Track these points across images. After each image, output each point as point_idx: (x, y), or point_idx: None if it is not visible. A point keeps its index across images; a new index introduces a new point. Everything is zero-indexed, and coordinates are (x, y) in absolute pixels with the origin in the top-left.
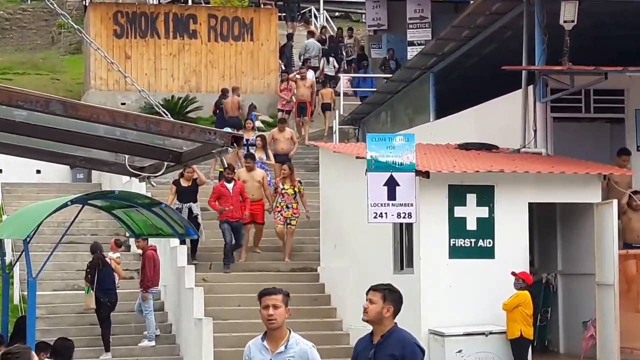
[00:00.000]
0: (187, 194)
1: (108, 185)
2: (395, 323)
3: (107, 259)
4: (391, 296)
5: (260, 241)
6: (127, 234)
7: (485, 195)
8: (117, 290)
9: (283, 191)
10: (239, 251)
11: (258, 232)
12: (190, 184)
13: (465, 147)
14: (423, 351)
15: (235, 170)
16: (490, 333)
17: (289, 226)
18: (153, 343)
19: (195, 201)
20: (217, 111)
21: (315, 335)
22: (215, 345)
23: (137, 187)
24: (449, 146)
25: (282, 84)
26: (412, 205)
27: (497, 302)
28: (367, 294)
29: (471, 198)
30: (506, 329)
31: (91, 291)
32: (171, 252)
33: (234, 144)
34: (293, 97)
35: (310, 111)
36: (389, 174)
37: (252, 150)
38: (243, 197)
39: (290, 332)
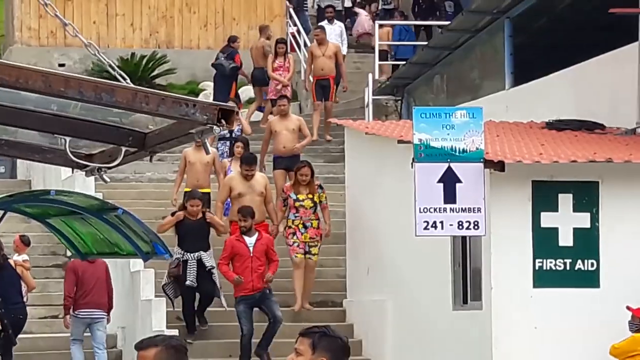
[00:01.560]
0: (193, 236)
1: (41, 183)
2: None
3: (10, 261)
4: (325, 344)
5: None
6: (69, 254)
7: (587, 197)
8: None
9: (297, 204)
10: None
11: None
12: (199, 216)
13: (557, 126)
14: None
15: (227, 174)
16: None
17: (307, 257)
18: None
19: (207, 247)
20: (216, 74)
21: None
22: None
23: (83, 185)
24: (532, 125)
25: (277, 59)
26: (479, 210)
27: (603, 349)
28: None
29: (565, 200)
30: None
31: None
32: (132, 279)
33: (222, 121)
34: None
35: (333, 92)
36: (446, 164)
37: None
38: (270, 257)
39: None
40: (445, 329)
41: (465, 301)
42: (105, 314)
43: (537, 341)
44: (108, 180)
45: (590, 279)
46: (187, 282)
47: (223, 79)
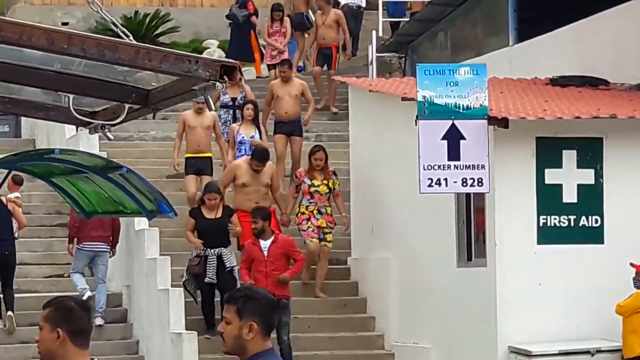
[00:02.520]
0: (213, 232)
1: (45, 142)
2: (272, 348)
3: (2, 198)
4: (251, 308)
5: None
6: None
7: (590, 153)
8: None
9: (312, 189)
10: None
11: None
12: (218, 214)
13: (561, 82)
14: None
15: (237, 138)
16: (598, 351)
17: (322, 244)
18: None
19: (227, 244)
20: (232, 26)
21: (345, 356)
22: None
23: (87, 144)
24: (536, 81)
25: (274, 24)
26: (483, 167)
27: (607, 306)
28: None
29: (569, 157)
30: (622, 345)
31: None
32: (137, 238)
33: (225, 78)
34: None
35: (336, 60)
36: (449, 121)
37: (231, 118)
38: (293, 258)
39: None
40: (449, 286)
41: (469, 258)
42: (109, 247)
43: (541, 297)
44: (112, 137)
45: (595, 235)
46: (207, 279)
47: (238, 30)
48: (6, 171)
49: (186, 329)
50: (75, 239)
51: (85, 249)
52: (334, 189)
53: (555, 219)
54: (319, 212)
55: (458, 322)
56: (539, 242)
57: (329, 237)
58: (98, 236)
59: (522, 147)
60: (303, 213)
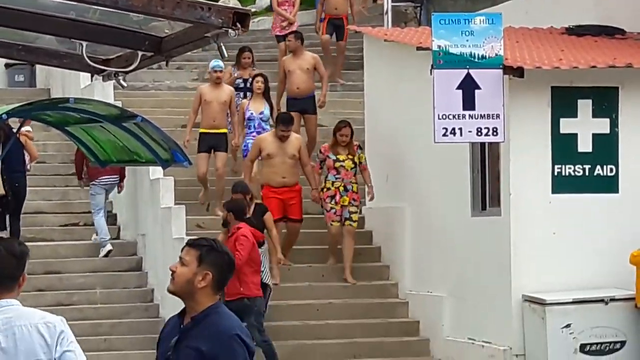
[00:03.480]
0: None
1: (60, 91)
2: (219, 300)
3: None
4: (212, 258)
5: (291, 247)
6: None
7: (606, 102)
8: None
9: (338, 164)
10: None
11: (292, 234)
12: (250, 213)
13: (577, 31)
14: (251, 351)
15: (245, 114)
16: (612, 300)
17: (347, 224)
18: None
19: (261, 243)
20: None
21: (359, 304)
22: None
23: (102, 93)
24: (552, 30)
25: None
26: (498, 117)
27: (621, 255)
28: (181, 251)
29: (585, 106)
30: (635, 294)
31: None
32: (151, 186)
33: (237, 25)
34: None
35: (347, 32)
36: (465, 71)
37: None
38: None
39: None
40: (463, 235)
41: (483, 207)
42: (118, 179)
43: (556, 247)
44: (125, 84)
45: (609, 185)
46: None
47: None
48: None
49: None
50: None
51: (101, 184)
52: (360, 162)
53: (570, 168)
54: (345, 189)
55: (472, 271)
56: (553, 192)
57: (354, 216)
58: (111, 169)
59: (538, 96)
60: (329, 189)
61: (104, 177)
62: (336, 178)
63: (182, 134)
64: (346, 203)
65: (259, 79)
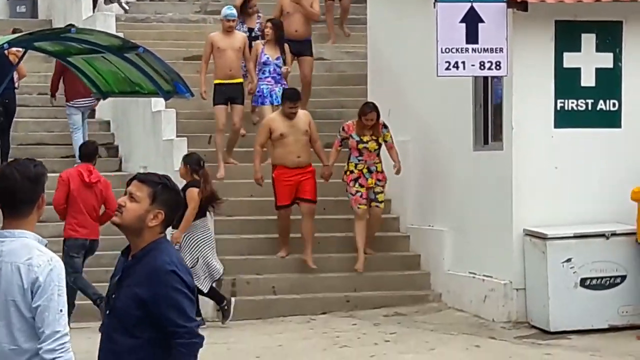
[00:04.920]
0: None
1: (61, 23)
2: (164, 236)
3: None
4: (165, 197)
5: (312, 239)
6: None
7: (610, 36)
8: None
9: (361, 146)
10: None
11: (308, 218)
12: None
13: None
14: (189, 286)
15: (261, 58)
16: (613, 234)
17: (374, 205)
18: None
19: None
20: None
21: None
22: (219, 252)
23: (104, 24)
24: None
25: None
26: (501, 50)
27: (623, 190)
28: (127, 184)
29: (588, 40)
30: (636, 228)
31: None
32: (153, 118)
33: None
34: None
35: None
36: (468, 4)
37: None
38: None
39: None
40: (465, 169)
41: (486, 142)
42: (95, 101)
43: (557, 181)
44: (127, 8)
45: (612, 119)
46: None
47: None
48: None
49: None
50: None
51: (75, 105)
52: (386, 141)
53: (572, 102)
54: (369, 171)
55: (474, 205)
56: (556, 126)
57: (380, 196)
58: (86, 92)
59: (541, 30)
60: (352, 172)
61: (78, 100)
62: (359, 160)
63: (185, 65)
64: (372, 184)
65: (268, 24)
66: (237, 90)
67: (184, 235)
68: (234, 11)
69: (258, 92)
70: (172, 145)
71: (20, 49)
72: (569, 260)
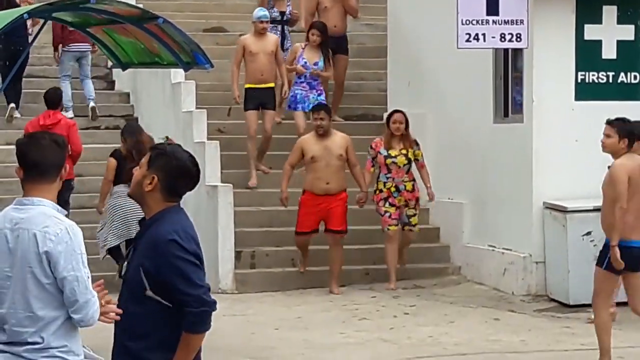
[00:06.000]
0: None
1: None
2: (174, 205)
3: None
4: (159, 163)
5: (340, 270)
6: (110, 64)
7: (631, 9)
8: None
9: (389, 161)
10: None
11: (335, 250)
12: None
13: None
14: (193, 253)
15: (299, 62)
16: None
17: (407, 229)
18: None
19: None
20: None
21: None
22: (237, 224)
23: None
24: None
25: None
26: (522, 22)
27: None
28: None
29: (610, 12)
30: None
31: None
32: (173, 90)
33: None
34: None
35: None
36: None
37: (286, 42)
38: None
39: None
40: (485, 142)
41: (506, 114)
42: (91, 47)
43: (578, 154)
44: None
45: (633, 92)
46: None
47: None
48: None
49: (221, 182)
50: (60, 45)
51: (71, 50)
52: (417, 159)
53: (593, 75)
54: (397, 189)
55: (493, 178)
56: (576, 99)
57: (413, 220)
58: (81, 38)
59: (562, 2)
60: (381, 191)
61: (73, 44)
62: (387, 178)
63: (204, 37)
64: (402, 203)
65: (314, 31)
66: (268, 95)
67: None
68: (267, 12)
69: (292, 96)
70: (191, 117)
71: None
72: (588, 233)
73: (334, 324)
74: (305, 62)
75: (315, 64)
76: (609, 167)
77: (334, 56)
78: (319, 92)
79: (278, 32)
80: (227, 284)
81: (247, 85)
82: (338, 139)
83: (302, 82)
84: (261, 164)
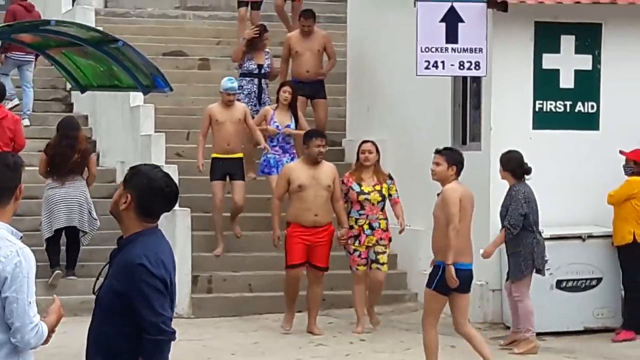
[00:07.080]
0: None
1: (41, 14)
2: (152, 227)
3: None
4: (133, 182)
5: (317, 312)
6: (69, 87)
7: (589, 38)
8: None
9: (362, 197)
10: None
11: (315, 288)
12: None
13: None
14: (161, 279)
15: (270, 124)
16: (590, 237)
17: (374, 267)
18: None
19: None
20: None
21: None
22: (194, 248)
23: (83, 19)
24: None
25: None
26: (481, 51)
27: (601, 192)
28: None
29: (568, 42)
30: (612, 231)
31: None
32: (131, 113)
33: None
34: None
35: None
36: (448, 4)
37: (264, 99)
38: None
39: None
40: None
41: (464, 142)
42: (33, 57)
43: (535, 183)
44: None
45: (590, 121)
46: None
47: None
48: None
49: (179, 206)
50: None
51: (13, 57)
52: (390, 195)
53: (551, 104)
54: (370, 227)
55: None
56: (534, 127)
57: (381, 257)
58: (26, 50)
59: (521, 31)
60: (352, 227)
61: (16, 52)
62: (360, 214)
63: (164, 61)
64: (372, 243)
65: (286, 89)
66: (235, 165)
67: None
68: (235, 84)
69: (264, 161)
70: (150, 141)
71: None
72: (546, 261)
73: (290, 349)
74: (277, 126)
75: (287, 126)
76: (438, 194)
77: (312, 101)
78: (292, 155)
79: (255, 86)
80: (183, 308)
81: (214, 155)
82: (327, 169)
83: (274, 146)
84: (235, 229)
